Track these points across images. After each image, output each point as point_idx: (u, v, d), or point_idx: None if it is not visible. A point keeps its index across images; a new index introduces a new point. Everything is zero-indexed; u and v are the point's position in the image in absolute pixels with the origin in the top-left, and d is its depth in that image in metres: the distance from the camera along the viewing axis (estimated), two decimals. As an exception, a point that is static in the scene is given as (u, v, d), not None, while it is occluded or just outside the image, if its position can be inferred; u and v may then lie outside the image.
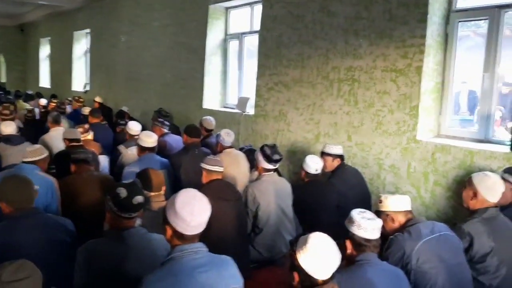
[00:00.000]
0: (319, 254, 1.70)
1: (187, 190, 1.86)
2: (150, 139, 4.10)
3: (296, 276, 1.73)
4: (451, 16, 4.04)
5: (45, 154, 3.43)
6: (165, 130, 5.41)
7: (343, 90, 4.69)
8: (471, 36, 4.47)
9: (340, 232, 2.22)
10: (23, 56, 17.74)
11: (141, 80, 8.91)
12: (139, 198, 2.27)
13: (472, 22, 4.22)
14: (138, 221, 2.35)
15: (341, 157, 4.10)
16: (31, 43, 16.83)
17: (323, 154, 4.07)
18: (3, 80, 18.62)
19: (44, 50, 15.68)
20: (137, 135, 4.68)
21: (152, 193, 2.92)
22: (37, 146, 3.50)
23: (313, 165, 3.67)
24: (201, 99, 7.05)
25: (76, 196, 3.35)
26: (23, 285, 1.41)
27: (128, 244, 2.18)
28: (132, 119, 6.81)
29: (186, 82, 7.46)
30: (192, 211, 1.77)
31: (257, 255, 3.41)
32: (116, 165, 4.72)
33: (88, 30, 11.58)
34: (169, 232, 1.81)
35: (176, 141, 5.32)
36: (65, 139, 4.44)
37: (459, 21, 4.03)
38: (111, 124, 6.93)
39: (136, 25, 9.02)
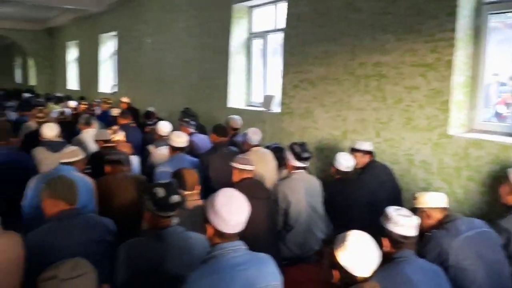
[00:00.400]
0: (358, 251, 1.72)
1: (226, 189, 1.90)
2: (180, 139, 4.16)
3: (336, 273, 1.75)
4: (481, 8, 3.96)
5: (82, 155, 3.53)
6: (192, 130, 5.48)
7: (370, 86, 4.66)
8: (501, 29, 4.37)
9: (372, 230, 2.23)
10: (52, 60, 18.22)
11: (167, 81, 9.04)
12: (176, 198, 2.32)
13: (502, 14, 4.12)
14: (175, 220, 2.40)
15: (371, 153, 4.10)
16: (59, 47, 17.26)
17: (353, 151, 4.07)
18: (34, 83, 19.18)
19: (71, 53, 16.06)
20: (167, 135, 4.76)
21: (187, 192, 2.97)
22: (74, 147, 3.59)
23: (345, 162, 3.67)
24: (226, 98, 7.12)
25: (111, 196, 3.43)
26: (80, 282, 1.48)
27: (166, 242, 2.23)
28: (159, 119, 6.91)
29: (211, 82, 7.53)
30: (232, 210, 1.81)
31: (288, 253, 3.43)
32: (146, 165, 4.81)
33: (114, 33, 11.80)
34: (209, 231, 1.85)
35: (202, 140, 5.39)
36: (98, 141, 4.55)
37: (490, 14, 3.95)
38: (138, 125, 7.05)
39: (161, 26, 9.15)
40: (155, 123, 6.60)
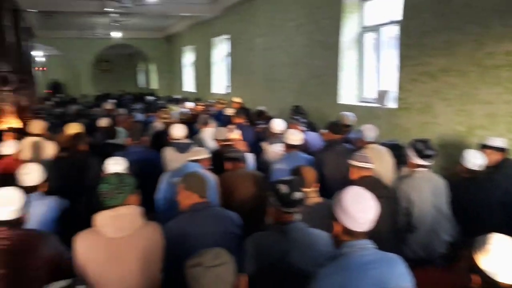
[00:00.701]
0: (502, 256, 1.59)
1: (354, 187, 1.89)
2: (295, 137, 4.22)
3: (476, 278, 1.64)
4: None
5: (208, 154, 3.78)
6: (302, 128, 5.50)
7: (501, 77, 4.24)
8: None
9: (508, 232, 2.03)
10: (170, 65, 19.77)
11: (277, 80, 9.22)
12: (298, 194, 2.37)
13: None
14: (298, 216, 2.45)
15: (504, 150, 3.73)
16: (176, 52, 18.63)
17: (484, 147, 3.75)
18: (155, 87, 20.99)
19: (187, 57, 17.22)
20: (281, 133, 4.85)
21: (305, 189, 3.00)
22: (201, 148, 3.87)
23: (474, 160, 3.40)
24: (336, 95, 7.04)
25: (232, 192, 3.61)
26: (222, 270, 1.60)
27: (290, 237, 2.29)
28: (270, 118, 7.06)
29: (321, 79, 7.51)
30: (360, 208, 1.80)
31: (411, 254, 3.28)
32: (260, 162, 4.95)
33: (227, 36, 12.38)
34: (337, 228, 1.85)
35: (313, 138, 5.39)
36: (217, 140, 4.81)
37: None
38: (250, 124, 7.28)
39: (272, 27, 9.36)
40: (266, 122, 6.78)
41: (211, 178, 3.53)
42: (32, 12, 11.07)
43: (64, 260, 2.32)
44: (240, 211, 3.13)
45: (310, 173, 3.06)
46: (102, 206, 2.31)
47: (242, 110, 7.34)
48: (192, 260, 1.64)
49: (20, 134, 5.28)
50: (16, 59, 6.93)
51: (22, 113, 6.90)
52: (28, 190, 2.76)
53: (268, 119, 7.03)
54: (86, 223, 2.37)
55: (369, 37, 6.79)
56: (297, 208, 2.38)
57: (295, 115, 5.66)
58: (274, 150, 4.82)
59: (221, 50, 13.28)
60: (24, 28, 9.53)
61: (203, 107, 8.76)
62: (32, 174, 3.05)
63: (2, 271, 2.12)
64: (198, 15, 12.76)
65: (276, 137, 4.99)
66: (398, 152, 4.24)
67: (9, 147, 4.32)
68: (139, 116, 8.43)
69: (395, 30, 5.96)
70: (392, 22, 6.11)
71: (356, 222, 1.79)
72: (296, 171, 3.08)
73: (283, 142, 4.34)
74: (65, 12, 12.16)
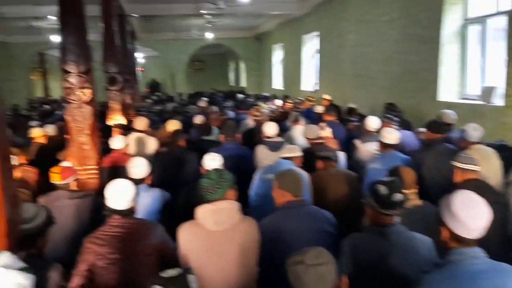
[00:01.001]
0: None
1: (464, 191, 1.78)
2: (392, 136, 4.06)
3: None
4: None
5: (300, 153, 3.79)
6: (395, 126, 5.26)
7: None
8: None
9: None
10: (259, 63, 20.14)
11: (368, 76, 8.95)
12: (398, 196, 2.28)
13: None
14: (396, 219, 2.36)
15: None
16: (265, 50, 18.92)
17: None
18: (244, 85, 21.54)
19: (276, 56, 17.40)
20: (376, 131, 4.69)
21: (404, 191, 2.88)
22: (294, 146, 3.89)
23: None
24: (435, 91, 6.63)
25: (325, 191, 3.58)
26: (324, 269, 1.60)
27: (390, 240, 2.22)
28: (361, 115, 6.88)
29: (417, 75, 7.13)
30: (471, 213, 1.69)
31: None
32: (352, 160, 4.84)
33: (316, 33, 12.29)
34: (445, 233, 1.77)
35: (408, 137, 5.13)
36: (307, 138, 4.79)
37: None
38: (340, 121, 7.14)
39: (363, 22, 9.11)
40: (357, 120, 6.62)
41: (305, 176, 3.53)
42: (134, 16, 11.94)
43: (169, 249, 2.48)
44: (332, 211, 3.09)
45: (409, 174, 2.94)
46: (202, 200, 2.42)
47: (332, 108, 7.21)
48: (294, 257, 1.65)
49: (125, 130, 5.73)
50: (122, 61, 7.52)
51: (127, 110, 7.49)
52: (136, 182, 2.98)
53: (359, 116, 6.86)
54: (185, 215, 2.51)
55: (473, 29, 6.31)
56: (396, 210, 2.30)
57: (389, 113, 5.42)
58: (367, 148, 4.69)
59: (310, 47, 13.21)
60: (128, 31, 10.32)
61: (291, 104, 8.78)
62: (139, 168, 3.31)
63: (117, 256, 2.32)
64: (288, 13, 12.84)
65: (371, 135, 4.84)
66: (506, 154, 3.91)
67: (118, 142, 4.70)
68: (231, 114, 8.67)
69: (503, 21, 5.47)
70: (499, 13, 5.61)
71: (466, 228, 1.69)
72: (394, 172, 2.97)
73: (378, 141, 4.20)
74: (163, 16, 12.93)
